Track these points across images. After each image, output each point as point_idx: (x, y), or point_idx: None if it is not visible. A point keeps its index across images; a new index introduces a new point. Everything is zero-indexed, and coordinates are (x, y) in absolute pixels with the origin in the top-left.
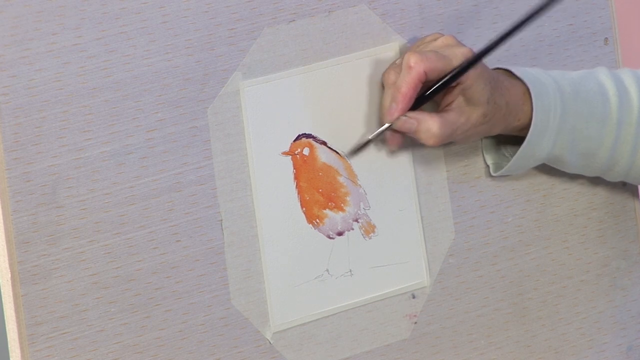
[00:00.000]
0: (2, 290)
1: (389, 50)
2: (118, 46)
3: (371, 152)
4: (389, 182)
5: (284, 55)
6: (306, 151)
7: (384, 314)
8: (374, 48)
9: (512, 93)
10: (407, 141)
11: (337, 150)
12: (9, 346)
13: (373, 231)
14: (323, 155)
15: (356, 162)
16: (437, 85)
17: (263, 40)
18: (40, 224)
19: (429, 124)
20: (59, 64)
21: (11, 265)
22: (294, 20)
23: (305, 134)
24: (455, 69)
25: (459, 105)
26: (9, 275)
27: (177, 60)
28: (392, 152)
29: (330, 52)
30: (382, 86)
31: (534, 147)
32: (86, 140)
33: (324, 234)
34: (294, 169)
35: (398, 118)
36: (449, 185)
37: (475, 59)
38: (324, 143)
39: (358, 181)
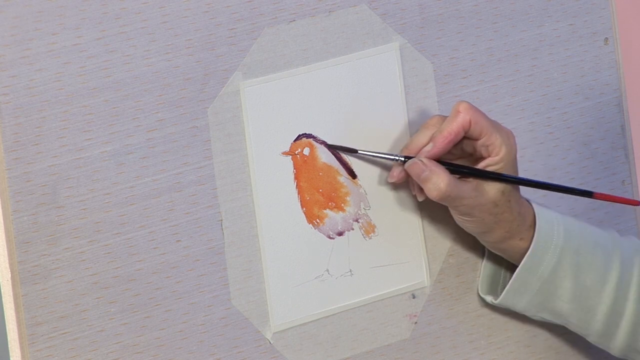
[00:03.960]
0: (2, 290)
1: (389, 50)
2: (118, 46)
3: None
4: (389, 182)
5: (284, 55)
6: (306, 151)
7: (384, 314)
8: (374, 48)
9: (525, 210)
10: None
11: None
12: (9, 346)
13: (373, 231)
14: (323, 155)
15: (356, 162)
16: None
17: (263, 40)
18: (40, 224)
19: (440, 179)
20: (59, 64)
21: (11, 265)
22: (294, 20)
23: (305, 134)
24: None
25: (477, 182)
26: (9, 275)
27: (177, 60)
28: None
29: (330, 52)
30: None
31: (537, 263)
32: (86, 140)
33: (324, 234)
34: (294, 169)
35: (414, 162)
36: None
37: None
38: (324, 143)
39: (358, 181)
